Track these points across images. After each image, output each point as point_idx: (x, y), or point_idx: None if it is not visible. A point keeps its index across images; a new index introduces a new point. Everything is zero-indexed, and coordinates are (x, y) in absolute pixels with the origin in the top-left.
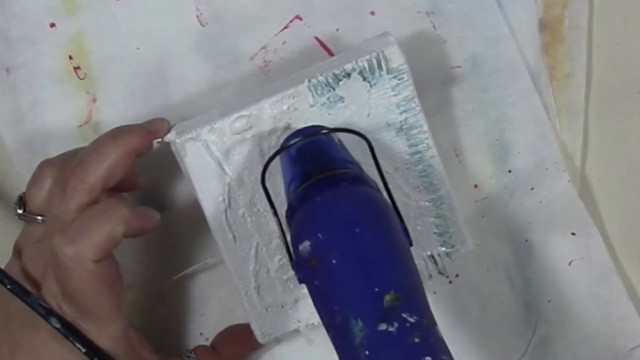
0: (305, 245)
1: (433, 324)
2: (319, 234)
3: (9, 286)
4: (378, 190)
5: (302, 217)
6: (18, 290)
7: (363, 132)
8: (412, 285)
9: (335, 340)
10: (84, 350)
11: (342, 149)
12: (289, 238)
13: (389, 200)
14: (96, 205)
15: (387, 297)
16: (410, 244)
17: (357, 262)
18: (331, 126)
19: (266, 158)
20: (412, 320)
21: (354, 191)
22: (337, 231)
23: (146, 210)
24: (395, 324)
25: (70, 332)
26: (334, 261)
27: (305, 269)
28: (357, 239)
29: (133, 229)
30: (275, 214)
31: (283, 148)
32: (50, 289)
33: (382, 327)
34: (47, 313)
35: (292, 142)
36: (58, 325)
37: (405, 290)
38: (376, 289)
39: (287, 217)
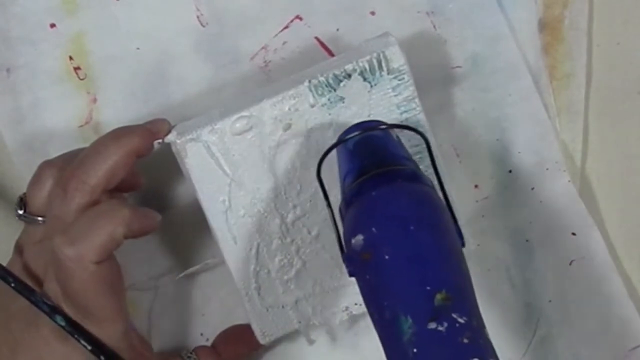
0: (359, 239)
1: (482, 326)
2: (374, 228)
3: (13, 284)
4: (433, 188)
5: (357, 211)
6: (22, 289)
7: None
8: (463, 285)
9: (382, 335)
10: (89, 347)
11: (400, 145)
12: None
13: (443, 199)
14: (97, 207)
15: (439, 296)
16: (463, 245)
17: (411, 259)
18: (332, 126)
19: (269, 158)
20: (462, 320)
21: (410, 188)
22: (392, 227)
23: (147, 212)
24: (445, 324)
25: (76, 329)
26: (387, 257)
27: (356, 263)
28: (412, 235)
29: (134, 230)
30: (329, 205)
31: (340, 141)
32: (50, 289)
33: (432, 325)
34: (52, 311)
35: (350, 136)
36: (63, 323)
37: (457, 291)
38: (428, 288)
39: (340, 210)
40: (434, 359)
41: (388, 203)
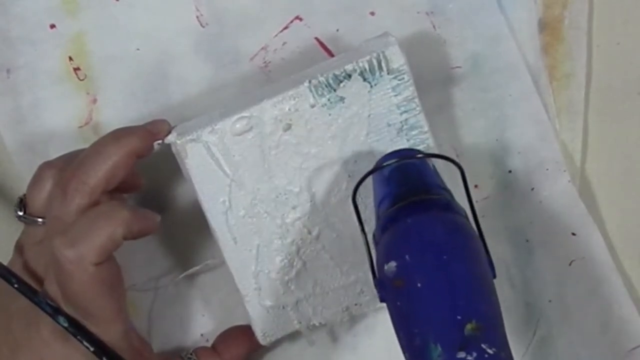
0: (392, 266)
1: (510, 357)
2: (407, 256)
3: (15, 285)
4: (467, 218)
5: (391, 237)
6: (25, 289)
7: (366, 134)
8: (493, 316)
9: None
10: (92, 349)
11: (435, 174)
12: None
13: (476, 230)
14: (97, 208)
15: (469, 326)
16: (494, 276)
17: (443, 288)
18: (332, 127)
19: (269, 158)
20: (490, 351)
21: (444, 217)
22: (426, 255)
23: (147, 213)
24: (474, 354)
25: (78, 330)
26: (419, 284)
27: (387, 289)
28: (445, 265)
29: (134, 231)
30: (363, 230)
31: (377, 168)
32: (50, 290)
33: (461, 355)
34: (55, 312)
35: (387, 163)
36: (66, 324)
37: (487, 321)
38: (459, 317)
39: (374, 235)
40: None
41: (423, 231)
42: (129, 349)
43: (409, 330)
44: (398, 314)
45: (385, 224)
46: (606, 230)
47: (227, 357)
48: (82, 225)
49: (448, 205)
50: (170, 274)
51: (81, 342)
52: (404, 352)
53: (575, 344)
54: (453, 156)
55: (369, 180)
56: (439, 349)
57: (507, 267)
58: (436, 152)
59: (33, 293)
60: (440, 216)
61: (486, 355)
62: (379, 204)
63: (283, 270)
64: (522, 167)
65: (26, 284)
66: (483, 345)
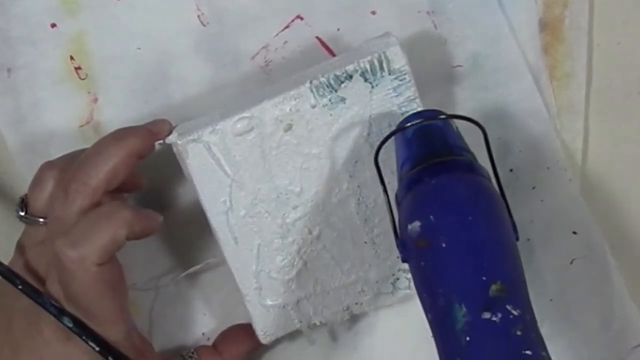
0: (415, 226)
1: (534, 320)
2: (431, 216)
3: (20, 286)
4: (490, 180)
5: (415, 198)
6: (29, 290)
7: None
8: (517, 278)
9: (434, 322)
10: (97, 348)
11: (458, 136)
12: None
13: (499, 192)
14: (99, 208)
15: (494, 287)
16: (517, 239)
17: (467, 249)
18: (333, 127)
19: (270, 159)
20: (515, 313)
21: (468, 179)
22: (450, 216)
23: (149, 213)
24: (499, 315)
25: (83, 330)
26: (443, 245)
27: (410, 249)
28: (470, 225)
29: (136, 231)
30: (385, 190)
31: (400, 129)
32: (52, 290)
33: (486, 315)
34: (59, 312)
35: (410, 123)
36: (70, 325)
37: (512, 283)
38: (483, 278)
39: (397, 196)
40: (486, 349)
41: (447, 192)
42: (131, 349)
43: (432, 290)
44: (421, 274)
45: (409, 185)
46: (607, 229)
47: (228, 355)
48: (84, 226)
49: (471, 166)
50: (171, 273)
51: (86, 342)
52: (426, 313)
53: (576, 343)
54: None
55: (390, 143)
56: (464, 309)
57: None
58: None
59: (37, 294)
60: (463, 177)
61: (511, 317)
62: (401, 166)
63: (284, 269)
64: (523, 166)
65: (30, 285)
66: (508, 307)
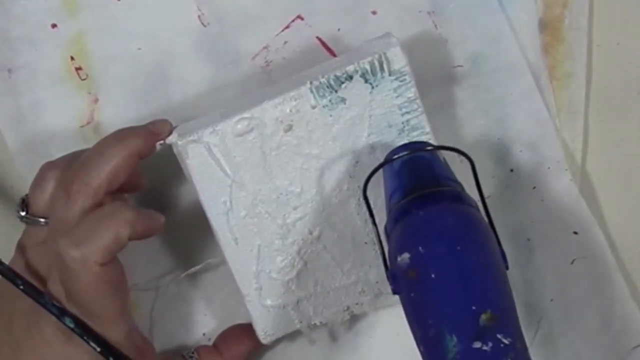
0: (405, 257)
1: (525, 348)
2: (420, 247)
3: (21, 287)
4: (478, 210)
5: (403, 229)
6: (31, 291)
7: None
8: (508, 307)
9: (426, 353)
10: (98, 349)
11: (445, 166)
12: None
13: (487, 221)
14: (101, 209)
15: (484, 316)
16: (507, 267)
17: (457, 279)
18: (333, 128)
19: (270, 159)
20: (506, 341)
21: (457, 209)
22: (439, 246)
23: (151, 213)
24: (490, 344)
25: (85, 331)
26: (433, 275)
27: (401, 281)
28: (458, 255)
29: (138, 232)
30: (374, 222)
31: (387, 161)
32: (54, 291)
33: (477, 345)
34: (61, 313)
35: (398, 156)
36: (72, 325)
37: (502, 311)
38: (473, 307)
39: (386, 228)
40: None
41: (435, 223)
42: (132, 349)
43: (423, 321)
44: (412, 305)
45: (397, 216)
46: (608, 229)
47: (229, 355)
48: (87, 226)
49: (459, 196)
50: (171, 273)
51: (87, 343)
52: (418, 344)
53: (577, 343)
54: (454, 155)
55: (377, 174)
56: (455, 339)
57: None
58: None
59: (38, 294)
60: (451, 207)
61: (502, 345)
62: (390, 197)
63: (284, 270)
64: (523, 166)
65: (31, 285)
66: (499, 335)
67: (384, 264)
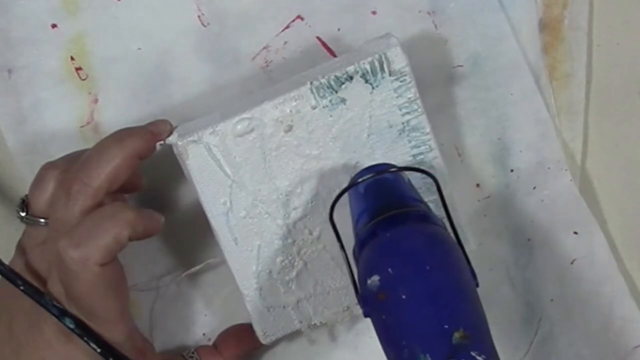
0: (374, 280)
1: None
2: (389, 269)
3: (22, 287)
4: (445, 228)
5: (371, 252)
6: (31, 291)
7: (367, 135)
8: (480, 324)
9: None
10: (99, 350)
11: (410, 187)
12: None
13: (455, 240)
14: (101, 209)
15: (457, 335)
16: (477, 285)
17: (427, 298)
18: (333, 128)
19: (270, 160)
20: (480, 359)
21: (423, 229)
22: (408, 267)
23: (151, 213)
24: None
25: (85, 332)
26: (403, 296)
27: (372, 303)
28: (427, 275)
29: (138, 232)
30: (342, 247)
31: (352, 184)
32: (54, 291)
33: None
34: (61, 314)
35: (362, 179)
36: (72, 326)
37: (474, 329)
38: (445, 326)
39: (354, 251)
40: None
41: (402, 244)
42: (132, 349)
43: (396, 342)
44: (384, 327)
45: (365, 239)
46: (608, 229)
47: (229, 355)
48: (87, 227)
49: (425, 216)
50: (171, 273)
51: (88, 344)
52: None
53: (577, 343)
54: (454, 155)
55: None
56: (429, 359)
57: (508, 266)
58: (438, 153)
59: (39, 295)
60: (418, 228)
61: None
62: (356, 221)
63: (284, 270)
64: (523, 166)
65: (32, 285)
66: (472, 353)
67: (354, 288)
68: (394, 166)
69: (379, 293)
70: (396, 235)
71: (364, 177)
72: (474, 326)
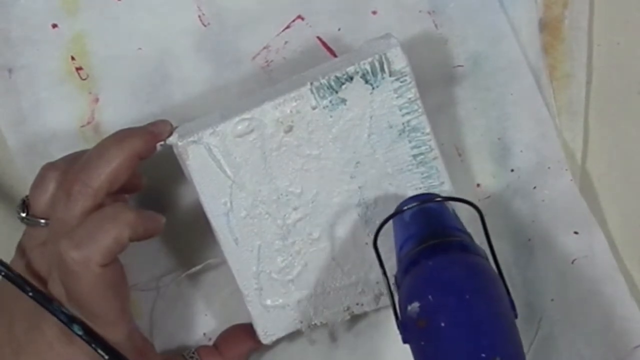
0: (415, 306)
1: None
2: (430, 297)
3: (30, 294)
4: (487, 260)
5: (413, 279)
6: (40, 298)
7: (367, 135)
8: (517, 354)
9: None
10: (106, 357)
11: (454, 217)
12: (396, 299)
13: (496, 271)
14: (102, 210)
15: None
16: (516, 316)
17: (466, 327)
18: (334, 128)
19: (270, 160)
20: None
21: (465, 258)
22: (448, 295)
23: (152, 214)
24: None
25: (93, 338)
26: (442, 324)
27: (411, 330)
28: (467, 304)
29: (139, 233)
30: (385, 273)
31: (397, 212)
32: (54, 292)
33: None
34: (70, 320)
35: (407, 207)
36: (80, 332)
37: (510, 358)
38: (483, 355)
39: (396, 278)
40: None
41: (444, 272)
42: (133, 349)
43: None
44: (422, 354)
45: (407, 266)
46: (608, 229)
47: (229, 355)
48: (88, 227)
49: (467, 247)
50: (172, 273)
51: (96, 350)
52: None
53: (577, 343)
54: (455, 155)
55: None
56: None
57: (508, 266)
58: (438, 153)
59: (47, 301)
60: (460, 257)
61: None
62: (400, 248)
63: (284, 270)
64: (524, 166)
65: (40, 291)
66: None
67: (394, 314)
68: (439, 196)
69: (418, 319)
70: (438, 263)
71: (409, 206)
72: (510, 356)
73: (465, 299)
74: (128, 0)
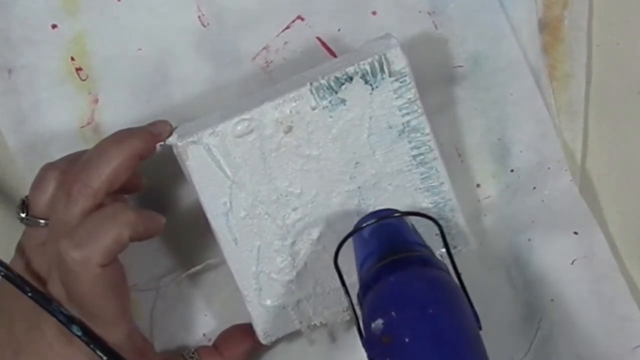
0: (378, 323)
1: None
2: (393, 313)
3: (30, 294)
4: (448, 272)
5: (376, 296)
6: (39, 298)
7: (367, 136)
8: None
9: None
10: (105, 358)
11: (414, 232)
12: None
13: (458, 283)
14: (102, 210)
15: None
16: (480, 328)
17: (430, 341)
18: (333, 129)
19: (270, 160)
20: None
21: (427, 273)
22: (411, 310)
23: (152, 214)
24: None
25: (92, 339)
26: (407, 339)
27: (376, 346)
28: (431, 318)
29: (139, 233)
30: (347, 292)
31: (356, 229)
32: (54, 292)
33: None
34: (69, 320)
35: (366, 224)
36: (80, 333)
37: None
38: None
39: (358, 295)
40: None
41: (406, 288)
42: (132, 349)
43: None
44: None
45: (368, 283)
46: (608, 229)
47: (229, 356)
48: (88, 227)
49: (427, 261)
50: (172, 273)
51: (94, 352)
52: None
53: (577, 343)
54: (455, 155)
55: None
56: None
57: (508, 266)
58: (438, 154)
59: (47, 302)
60: (421, 272)
61: None
62: (360, 265)
63: (284, 270)
64: (523, 166)
65: (40, 292)
66: None
67: (359, 332)
68: (396, 211)
69: (382, 336)
70: (399, 279)
71: (368, 223)
72: None
73: (428, 313)
74: (128, 1)
